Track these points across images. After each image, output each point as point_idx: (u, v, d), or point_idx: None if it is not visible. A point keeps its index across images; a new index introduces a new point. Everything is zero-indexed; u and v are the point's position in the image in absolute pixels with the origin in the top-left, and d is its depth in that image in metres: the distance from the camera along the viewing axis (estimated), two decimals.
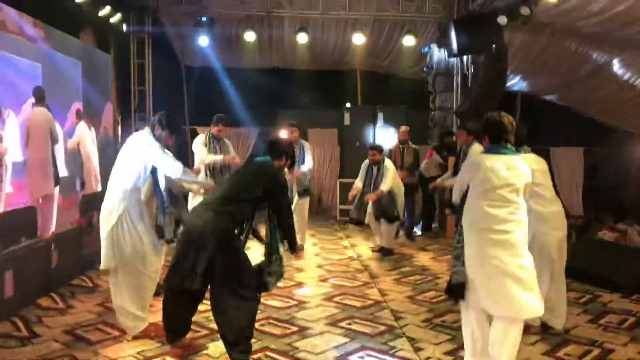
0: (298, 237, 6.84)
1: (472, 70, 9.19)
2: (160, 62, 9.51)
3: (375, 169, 6.97)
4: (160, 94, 9.47)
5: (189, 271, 3.32)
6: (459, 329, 4.22)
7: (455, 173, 5.37)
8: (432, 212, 9.16)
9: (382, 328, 4.30)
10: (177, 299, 3.53)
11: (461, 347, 3.89)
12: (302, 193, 7.04)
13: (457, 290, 3.25)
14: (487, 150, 3.32)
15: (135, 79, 9.11)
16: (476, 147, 4.96)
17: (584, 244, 6.39)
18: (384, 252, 7.13)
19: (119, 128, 8.55)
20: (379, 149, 7.05)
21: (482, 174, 3.18)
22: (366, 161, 7.12)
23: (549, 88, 10.71)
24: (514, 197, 3.16)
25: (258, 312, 4.68)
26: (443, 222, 8.91)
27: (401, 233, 7.90)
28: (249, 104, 10.77)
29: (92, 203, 6.21)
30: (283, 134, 8.18)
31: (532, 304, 3.09)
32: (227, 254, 3.37)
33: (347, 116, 10.68)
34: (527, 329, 3.79)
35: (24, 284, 4.50)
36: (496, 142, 3.28)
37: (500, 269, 3.06)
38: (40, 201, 5.20)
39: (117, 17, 7.46)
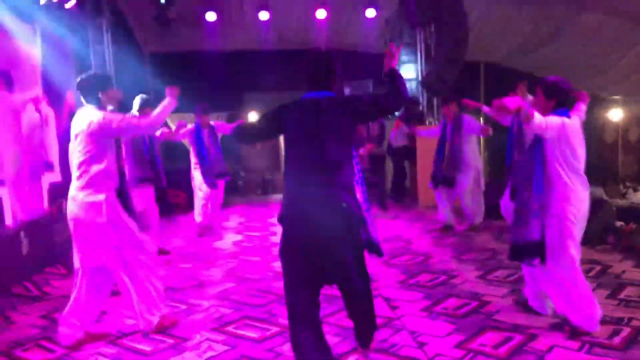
0: None
1: (435, 39, 9.25)
2: (121, 48, 9.31)
3: None
4: (124, 81, 9.29)
5: None
6: (433, 287, 4.39)
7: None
8: (402, 182, 9.27)
9: None
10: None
11: (436, 303, 4.02)
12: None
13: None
14: (560, 114, 3.34)
15: (96, 66, 8.90)
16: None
17: None
18: None
19: None
20: None
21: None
22: None
23: (511, 54, 10.88)
24: None
25: (235, 284, 4.75)
26: (414, 192, 9.03)
27: None
28: (215, 88, 10.65)
29: (61, 191, 6.13)
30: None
31: None
32: None
33: None
34: None
35: None
36: (562, 105, 3.40)
37: None
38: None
39: (72, 2, 7.27)
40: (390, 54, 2.83)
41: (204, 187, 6.84)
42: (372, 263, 5.19)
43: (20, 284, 4.79)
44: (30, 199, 5.33)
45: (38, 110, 5.41)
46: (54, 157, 6.00)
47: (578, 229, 3.40)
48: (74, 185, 3.47)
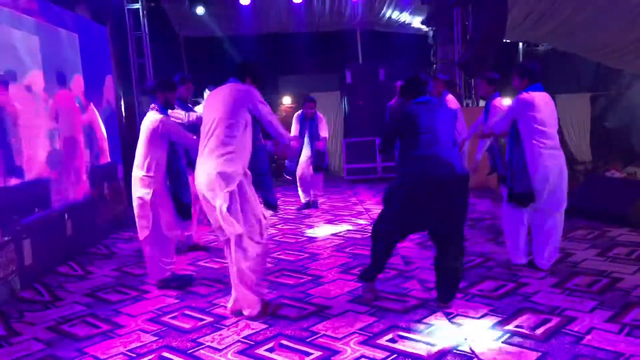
0: None
1: (472, 20, 9.05)
2: (158, 34, 9.46)
3: (310, 121, 7.30)
4: (160, 66, 9.45)
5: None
6: (469, 269, 4.35)
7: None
8: None
9: (394, 272, 4.39)
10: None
11: (471, 285, 3.99)
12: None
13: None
14: (534, 89, 4.13)
15: (133, 51, 9.08)
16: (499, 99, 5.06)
17: (592, 182, 6.39)
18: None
19: (122, 102, 8.58)
20: (314, 101, 7.38)
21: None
22: (299, 112, 7.42)
23: (551, 35, 10.57)
24: None
25: (272, 264, 4.81)
26: None
27: None
28: None
29: (102, 174, 6.32)
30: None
31: None
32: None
33: (348, 74, 10.54)
34: None
35: (42, 252, 4.62)
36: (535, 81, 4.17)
37: None
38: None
39: None
40: None
41: None
42: (408, 245, 5.21)
43: (65, 263, 4.98)
44: (74, 182, 5.51)
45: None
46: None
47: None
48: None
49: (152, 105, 4.30)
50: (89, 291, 4.37)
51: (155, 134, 4.13)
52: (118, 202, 6.81)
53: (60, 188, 5.14)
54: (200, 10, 9.27)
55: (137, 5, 8.86)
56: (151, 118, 4.20)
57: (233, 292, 3.63)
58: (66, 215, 5.23)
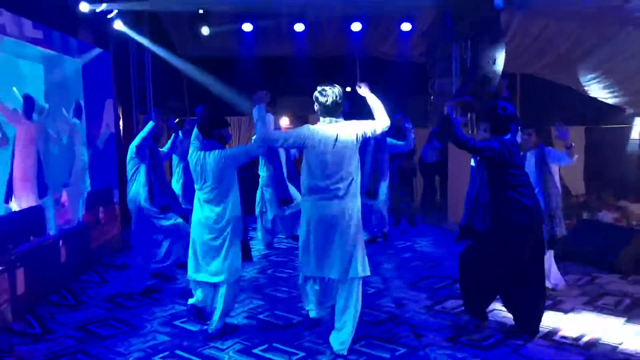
0: None
1: (470, 54, 9.16)
2: (159, 55, 9.52)
3: None
4: (160, 87, 9.52)
5: None
6: (459, 314, 4.38)
7: None
8: (432, 198, 9.23)
9: (384, 316, 4.41)
10: None
11: (459, 334, 4.02)
12: None
13: None
14: None
15: (134, 75, 9.13)
16: None
17: (584, 226, 6.45)
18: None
19: (121, 123, 8.62)
20: None
21: None
22: None
23: (549, 68, 10.72)
24: None
25: (266, 280, 4.99)
26: (444, 208, 8.97)
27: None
28: (248, 93, 10.74)
29: (98, 198, 6.34)
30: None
31: None
32: None
33: (346, 103, 10.56)
34: None
35: (34, 281, 4.62)
36: None
37: None
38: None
39: (114, 13, 7.50)
40: None
41: None
42: (401, 285, 5.24)
43: (57, 291, 4.98)
44: (69, 207, 5.52)
45: None
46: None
47: None
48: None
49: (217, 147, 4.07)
50: (80, 324, 4.36)
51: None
52: (112, 226, 6.82)
53: (52, 214, 5.15)
54: (205, 30, 9.29)
55: (141, 30, 8.89)
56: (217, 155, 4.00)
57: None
58: (61, 242, 5.25)
